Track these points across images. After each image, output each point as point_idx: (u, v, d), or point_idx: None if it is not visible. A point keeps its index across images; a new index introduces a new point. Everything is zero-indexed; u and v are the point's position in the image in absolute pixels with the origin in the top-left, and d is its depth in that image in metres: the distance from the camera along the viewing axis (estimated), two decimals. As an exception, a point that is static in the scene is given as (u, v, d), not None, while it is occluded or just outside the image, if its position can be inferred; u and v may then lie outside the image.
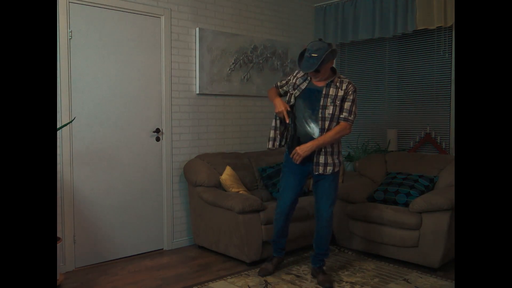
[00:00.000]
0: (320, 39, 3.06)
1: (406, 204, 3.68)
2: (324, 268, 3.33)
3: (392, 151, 4.65)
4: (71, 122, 3.28)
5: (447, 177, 3.83)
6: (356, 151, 4.99)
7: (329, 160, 3.08)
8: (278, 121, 3.22)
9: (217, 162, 4.06)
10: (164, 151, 4.01)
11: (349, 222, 3.86)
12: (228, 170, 3.98)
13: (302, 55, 3.02)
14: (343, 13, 4.97)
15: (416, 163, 4.12)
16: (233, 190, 3.86)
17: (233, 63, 4.42)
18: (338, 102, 3.03)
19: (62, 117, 3.40)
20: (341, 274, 3.41)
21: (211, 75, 4.26)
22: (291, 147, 3.12)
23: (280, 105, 3.11)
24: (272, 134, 3.24)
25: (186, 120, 4.15)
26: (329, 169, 3.08)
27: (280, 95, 3.29)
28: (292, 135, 3.14)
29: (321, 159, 3.07)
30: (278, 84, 3.33)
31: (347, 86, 3.06)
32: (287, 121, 3.10)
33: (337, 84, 3.07)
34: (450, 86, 4.46)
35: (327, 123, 3.03)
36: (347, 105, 3.05)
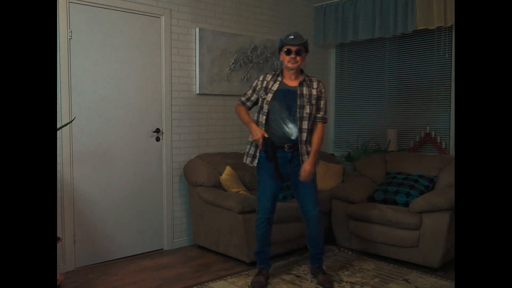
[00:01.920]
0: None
1: (406, 204, 3.68)
2: (324, 267, 3.33)
3: (392, 151, 4.65)
4: (71, 122, 3.28)
5: (447, 177, 3.83)
6: (356, 151, 4.99)
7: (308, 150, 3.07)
8: None
9: (217, 162, 4.06)
10: (164, 151, 4.01)
11: (349, 222, 3.86)
12: (228, 170, 3.98)
13: (281, 43, 3.09)
14: (343, 13, 4.97)
15: (416, 163, 4.12)
16: (233, 190, 3.87)
17: (233, 63, 4.42)
18: (314, 101, 3.05)
19: (62, 117, 3.40)
20: (341, 274, 3.41)
21: (211, 75, 4.26)
22: (266, 151, 3.00)
23: (256, 133, 3.02)
24: (252, 151, 3.13)
25: (186, 120, 4.15)
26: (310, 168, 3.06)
27: (249, 109, 3.23)
28: (266, 140, 3.00)
29: (305, 159, 3.03)
30: (243, 99, 3.23)
31: (318, 84, 3.11)
32: (261, 148, 3.03)
33: (308, 83, 3.09)
34: (450, 86, 4.46)
35: (304, 123, 3.02)
36: (323, 103, 3.11)
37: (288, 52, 3.05)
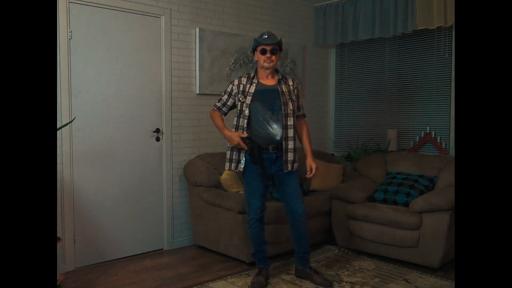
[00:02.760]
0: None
1: (406, 204, 3.68)
2: (313, 266, 3.30)
3: (392, 151, 4.65)
4: (71, 122, 3.28)
5: (447, 177, 3.83)
6: (356, 151, 4.99)
7: (296, 157, 3.10)
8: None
9: (217, 162, 4.06)
10: (164, 151, 4.01)
11: (349, 222, 3.86)
12: (228, 170, 3.98)
13: (256, 43, 3.08)
14: (343, 13, 4.97)
15: (416, 163, 4.12)
16: (233, 190, 3.87)
17: (233, 63, 4.42)
18: (294, 98, 3.12)
19: (62, 117, 3.40)
20: (341, 274, 3.41)
21: (211, 75, 4.26)
22: (253, 154, 2.99)
23: (232, 138, 3.03)
24: (235, 155, 3.11)
25: (186, 120, 4.15)
26: (296, 165, 3.10)
27: (225, 114, 3.21)
28: (251, 144, 3.00)
29: (290, 156, 3.05)
30: (218, 105, 3.19)
31: (293, 81, 3.18)
32: (246, 148, 3.02)
33: (284, 80, 3.14)
34: (450, 86, 4.46)
35: (290, 119, 3.05)
36: (299, 101, 3.21)
37: (263, 52, 3.04)
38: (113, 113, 3.71)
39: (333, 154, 5.14)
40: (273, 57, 3.04)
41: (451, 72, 4.44)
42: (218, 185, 3.94)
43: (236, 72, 4.44)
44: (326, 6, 5.15)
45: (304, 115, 3.25)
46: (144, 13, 3.84)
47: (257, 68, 3.16)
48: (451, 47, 4.42)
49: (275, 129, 3.03)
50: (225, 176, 3.93)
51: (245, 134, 3.03)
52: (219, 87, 4.31)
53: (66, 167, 3.45)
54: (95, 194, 3.64)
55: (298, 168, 3.14)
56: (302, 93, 4.93)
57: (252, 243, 3.23)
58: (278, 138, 3.03)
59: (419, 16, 4.31)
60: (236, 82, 3.14)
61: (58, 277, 3.09)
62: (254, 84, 3.08)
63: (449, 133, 4.48)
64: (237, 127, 3.08)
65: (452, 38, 4.41)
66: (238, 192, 3.84)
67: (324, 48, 5.42)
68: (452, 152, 4.43)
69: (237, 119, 3.10)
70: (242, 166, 3.08)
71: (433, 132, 4.60)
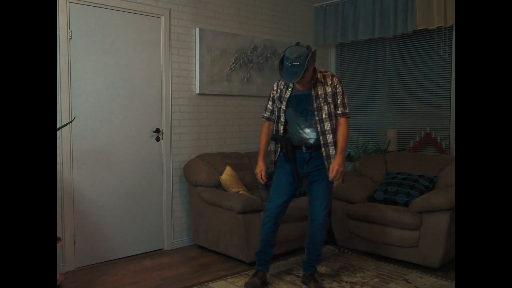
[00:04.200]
0: (297, 43, 2.87)
1: (406, 204, 3.68)
2: (316, 275, 3.21)
3: (392, 151, 4.65)
4: (71, 122, 3.28)
5: (447, 177, 3.83)
6: (356, 151, 4.99)
7: (335, 151, 2.97)
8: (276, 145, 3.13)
9: (217, 162, 4.06)
10: (164, 151, 4.01)
11: (349, 222, 3.86)
12: (228, 170, 3.98)
13: (281, 62, 2.84)
14: (343, 13, 4.97)
15: (416, 163, 4.12)
16: (233, 190, 3.87)
17: (233, 63, 4.42)
18: (330, 99, 2.92)
19: (62, 117, 3.40)
20: (341, 274, 3.41)
21: (211, 75, 4.26)
22: (286, 152, 2.97)
23: (257, 167, 3.13)
24: (276, 157, 3.12)
25: (186, 120, 4.15)
26: (333, 160, 2.95)
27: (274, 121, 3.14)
28: (285, 140, 2.97)
29: (331, 151, 2.95)
30: (267, 115, 3.15)
31: (332, 79, 2.95)
32: (262, 182, 3.13)
33: (322, 80, 2.94)
34: (450, 86, 4.46)
35: (326, 124, 2.92)
36: (340, 99, 2.96)
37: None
38: (113, 113, 3.71)
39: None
40: (302, 80, 2.83)
41: (451, 72, 4.44)
42: (218, 185, 3.94)
43: (236, 72, 4.44)
44: (326, 6, 5.15)
45: (343, 114, 2.97)
46: (144, 13, 3.84)
47: None
48: (451, 47, 4.42)
49: (308, 133, 2.97)
50: (225, 176, 3.93)
51: (265, 179, 3.10)
52: (219, 87, 4.31)
53: (66, 167, 3.45)
54: (95, 194, 3.64)
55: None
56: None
57: (261, 241, 3.15)
58: (311, 141, 2.97)
59: (419, 16, 4.32)
60: (275, 86, 3.09)
61: (58, 277, 3.09)
62: (290, 89, 3.00)
63: (449, 133, 4.48)
64: (276, 132, 3.09)
65: (452, 38, 4.41)
66: (238, 192, 3.84)
67: (324, 48, 5.42)
68: (452, 152, 4.43)
69: (276, 125, 3.10)
70: (274, 160, 3.11)
71: (433, 132, 4.60)
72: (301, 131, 2.99)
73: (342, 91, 2.98)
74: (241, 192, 3.84)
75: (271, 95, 3.12)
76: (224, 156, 4.18)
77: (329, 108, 2.92)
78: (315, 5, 5.24)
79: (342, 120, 2.98)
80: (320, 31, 5.20)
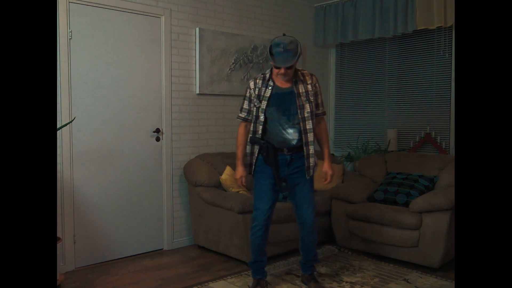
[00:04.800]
0: (284, 34, 2.84)
1: (406, 204, 3.68)
2: (315, 274, 3.20)
3: (392, 151, 4.65)
4: (71, 122, 3.28)
5: (447, 177, 3.83)
6: (356, 151, 4.99)
7: (316, 161, 2.97)
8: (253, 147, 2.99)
9: (217, 162, 4.06)
10: (164, 151, 4.01)
11: (349, 222, 3.86)
12: (228, 170, 3.98)
13: (270, 51, 2.75)
14: (343, 13, 4.97)
15: (416, 163, 4.12)
16: (233, 190, 3.87)
17: (233, 63, 4.42)
18: (312, 98, 2.89)
19: (62, 117, 3.40)
20: (341, 274, 3.41)
21: (211, 75, 4.26)
22: (267, 155, 2.88)
23: (237, 174, 3.00)
24: (248, 160, 3.00)
25: (186, 120, 4.15)
26: (315, 169, 2.97)
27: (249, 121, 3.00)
28: (266, 144, 2.88)
29: (311, 162, 2.91)
30: (243, 116, 2.99)
31: (311, 78, 2.93)
32: (244, 188, 3.02)
33: (302, 78, 2.90)
34: (450, 86, 4.46)
35: (308, 123, 2.87)
36: (320, 98, 2.98)
37: (278, 67, 2.78)
38: (113, 113, 3.71)
39: (333, 154, 5.14)
40: (289, 71, 2.79)
41: (451, 72, 4.44)
42: (218, 185, 3.94)
43: (236, 72, 4.44)
44: (326, 6, 5.15)
45: (323, 113, 3.02)
46: (144, 13, 3.84)
47: (272, 68, 2.90)
48: (451, 47, 4.42)
49: (291, 134, 2.89)
50: (225, 176, 3.93)
51: (245, 184, 3.01)
52: (219, 87, 4.31)
53: (66, 167, 3.45)
54: (95, 194, 3.64)
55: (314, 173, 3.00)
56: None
57: (253, 251, 3.04)
58: (294, 142, 2.90)
59: (419, 16, 4.32)
60: (252, 85, 2.94)
61: (58, 277, 3.09)
62: (269, 88, 2.87)
63: (449, 133, 4.48)
64: (254, 133, 2.94)
65: (452, 38, 4.41)
66: (238, 192, 3.84)
67: (324, 48, 5.42)
68: (452, 152, 4.43)
69: (253, 125, 2.94)
70: (252, 163, 2.97)
71: (433, 132, 4.60)
72: (284, 132, 2.89)
73: (320, 89, 3.01)
74: (241, 192, 3.84)
75: (247, 94, 2.97)
76: (224, 156, 4.18)
77: (311, 107, 2.88)
78: (315, 5, 5.24)
79: (322, 120, 3.03)
80: (320, 31, 5.20)
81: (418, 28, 4.36)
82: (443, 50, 4.51)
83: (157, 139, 3.98)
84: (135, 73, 3.81)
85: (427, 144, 4.65)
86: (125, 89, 3.77)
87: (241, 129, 3.02)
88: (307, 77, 2.93)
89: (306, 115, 2.87)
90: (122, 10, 3.70)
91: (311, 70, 5.22)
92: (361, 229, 3.76)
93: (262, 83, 2.91)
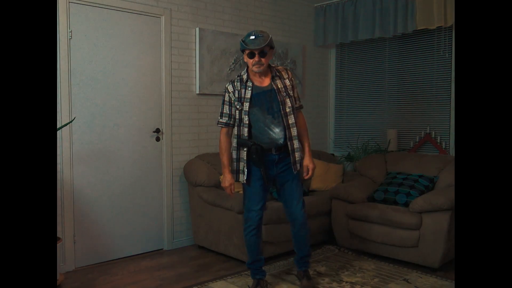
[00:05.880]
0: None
1: (406, 204, 3.68)
2: (309, 270, 3.21)
3: (392, 151, 4.65)
4: (71, 122, 3.28)
5: (447, 177, 3.83)
6: (356, 151, 4.99)
7: (302, 155, 2.97)
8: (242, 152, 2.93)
9: (217, 162, 4.05)
10: (164, 151, 4.01)
11: (349, 222, 3.86)
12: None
13: (242, 46, 2.79)
14: (343, 13, 4.97)
15: (416, 163, 4.12)
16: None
17: (233, 63, 4.42)
18: (291, 92, 2.90)
19: (62, 117, 3.40)
20: (341, 274, 3.41)
21: (211, 75, 4.26)
22: (255, 157, 2.85)
23: (225, 181, 2.94)
24: (236, 166, 2.96)
25: (186, 120, 4.15)
26: (302, 164, 2.98)
27: (234, 127, 2.96)
28: (254, 145, 2.84)
29: (297, 156, 2.91)
30: (224, 121, 2.93)
31: (287, 73, 2.95)
32: (231, 196, 3.05)
33: (278, 74, 2.91)
34: (450, 86, 4.46)
35: (290, 117, 2.86)
36: (295, 92, 2.98)
37: (251, 55, 2.77)
38: (113, 113, 3.71)
39: (333, 154, 5.15)
40: (263, 60, 2.77)
41: (451, 72, 4.44)
42: (218, 185, 3.93)
43: (236, 72, 4.44)
44: (326, 6, 5.15)
45: (300, 107, 3.02)
46: (144, 13, 3.84)
47: (247, 68, 2.90)
48: (451, 47, 4.42)
49: (277, 133, 2.87)
50: (225, 176, 3.93)
51: (233, 192, 2.98)
52: (219, 87, 4.31)
53: (66, 167, 3.45)
54: (95, 193, 3.64)
55: (301, 169, 3.01)
56: (302, 94, 4.94)
57: (249, 252, 3.04)
58: (281, 141, 2.88)
59: (419, 16, 4.32)
60: (230, 88, 2.90)
61: (58, 277, 3.09)
62: (249, 88, 2.85)
63: (449, 133, 4.48)
64: (238, 137, 2.90)
65: (452, 38, 4.41)
66: (238, 192, 3.83)
67: (324, 48, 5.42)
68: (452, 152, 4.43)
69: (237, 129, 2.90)
70: (244, 177, 2.91)
71: (433, 132, 4.60)
72: (270, 132, 2.86)
73: (295, 84, 3.02)
74: (241, 192, 3.84)
75: (226, 98, 2.91)
76: (224, 156, 4.17)
77: (291, 102, 2.89)
78: (315, 5, 5.24)
79: (301, 115, 3.03)
80: (320, 31, 5.20)
81: (418, 28, 4.36)
82: (443, 50, 4.51)
83: (157, 139, 3.98)
84: (135, 73, 3.81)
85: (427, 144, 4.65)
86: (125, 89, 3.77)
87: (223, 136, 2.97)
88: (283, 73, 2.95)
89: (287, 110, 2.87)
90: (122, 10, 3.70)
91: (311, 70, 5.26)
92: (361, 229, 3.76)
93: (241, 85, 2.89)
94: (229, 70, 4.38)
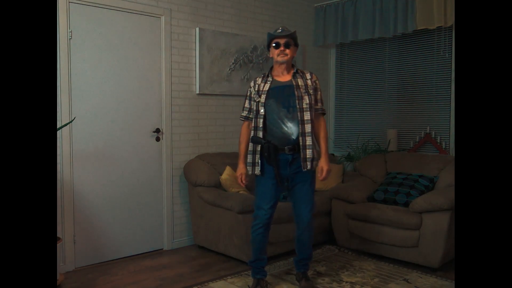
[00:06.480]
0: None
1: (406, 204, 3.68)
2: (309, 271, 3.21)
3: (392, 151, 4.65)
4: (71, 122, 3.28)
5: (447, 177, 3.83)
6: (356, 151, 4.98)
7: (316, 155, 2.95)
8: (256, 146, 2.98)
9: (217, 162, 4.06)
10: (164, 151, 4.01)
11: (349, 222, 3.86)
12: (228, 170, 3.98)
13: (270, 38, 2.97)
14: (343, 13, 4.97)
15: (416, 163, 4.12)
16: (233, 190, 3.87)
17: (233, 63, 4.42)
18: (311, 91, 2.95)
19: (62, 117, 3.40)
20: (341, 274, 3.41)
21: (211, 75, 4.26)
22: (267, 155, 2.87)
23: (237, 171, 3.03)
24: (251, 159, 2.99)
25: (186, 120, 4.15)
26: (315, 163, 2.95)
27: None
28: (267, 144, 2.87)
29: (308, 154, 2.88)
30: (245, 114, 3.06)
31: (311, 75, 3.02)
32: (242, 186, 3.09)
33: (301, 74, 3.00)
34: (450, 86, 4.46)
35: (306, 114, 2.88)
36: (319, 95, 3.04)
37: (277, 46, 2.92)
38: (113, 113, 3.71)
39: (333, 154, 5.15)
40: (287, 51, 2.92)
41: (451, 72, 4.44)
42: (218, 185, 3.94)
43: (236, 72, 4.44)
44: (326, 6, 5.15)
45: (323, 111, 3.05)
46: (144, 13, 3.84)
47: (272, 65, 3.04)
48: (451, 47, 4.42)
49: (290, 128, 2.88)
50: (225, 176, 3.93)
51: (246, 181, 3.03)
52: (219, 87, 4.31)
53: (66, 167, 3.45)
54: (95, 194, 3.64)
55: (314, 172, 2.98)
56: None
57: (253, 250, 3.05)
58: (293, 137, 2.88)
59: (419, 16, 4.32)
60: (252, 84, 3.04)
61: (58, 277, 3.09)
62: (268, 82, 2.97)
63: (449, 133, 4.48)
64: (255, 128, 2.95)
65: (452, 38, 4.41)
66: (238, 192, 3.84)
67: (324, 48, 5.42)
68: (452, 152, 4.43)
69: (254, 120, 2.96)
70: (259, 169, 2.94)
71: (433, 132, 4.60)
72: (283, 125, 2.90)
73: (320, 88, 3.08)
74: (241, 192, 3.84)
75: (248, 93, 3.06)
76: (224, 156, 4.18)
77: (309, 99, 2.92)
78: (315, 5, 5.24)
79: (322, 118, 3.07)
80: (320, 31, 5.20)
81: (418, 28, 4.36)
82: (443, 50, 4.51)
83: (157, 139, 3.98)
84: (135, 73, 3.81)
85: (427, 144, 4.65)
86: (125, 89, 3.77)
87: (244, 128, 3.09)
88: (306, 74, 3.03)
89: (304, 106, 2.90)
90: (122, 10, 3.71)
91: (311, 70, 5.24)
92: (361, 229, 3.76)
93: (262, 80, 3.03)
94: (229, 70, 4.38)
